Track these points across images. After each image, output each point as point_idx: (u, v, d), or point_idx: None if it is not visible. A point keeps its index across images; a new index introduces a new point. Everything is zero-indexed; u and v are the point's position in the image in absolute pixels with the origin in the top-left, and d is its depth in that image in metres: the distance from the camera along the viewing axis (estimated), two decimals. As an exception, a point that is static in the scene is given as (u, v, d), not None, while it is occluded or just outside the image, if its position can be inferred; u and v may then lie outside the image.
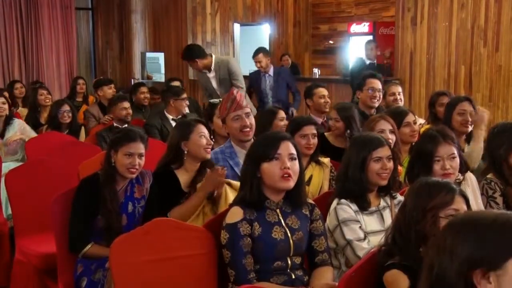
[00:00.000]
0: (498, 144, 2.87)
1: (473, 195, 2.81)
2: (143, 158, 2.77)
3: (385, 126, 3.25)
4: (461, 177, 2.83)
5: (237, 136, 3.14)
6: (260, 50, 6.44)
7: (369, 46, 7.27)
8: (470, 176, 2.91)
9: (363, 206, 2.47)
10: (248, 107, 3.20)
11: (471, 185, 2.87)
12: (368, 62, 7.00)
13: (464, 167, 2.84)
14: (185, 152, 2.93)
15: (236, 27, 10.62)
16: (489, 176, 2.87)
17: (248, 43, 10.92)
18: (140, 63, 11.40)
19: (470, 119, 3.57)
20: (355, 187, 2.47)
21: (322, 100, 4.66)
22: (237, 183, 2.70)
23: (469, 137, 3.62)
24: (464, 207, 1.85)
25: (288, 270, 2.32)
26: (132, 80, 10.54)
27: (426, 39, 6.99)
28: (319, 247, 2.39)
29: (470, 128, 3.61)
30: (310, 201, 2.48)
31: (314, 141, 3.31)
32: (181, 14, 10.11)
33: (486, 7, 6.39)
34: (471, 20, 6.51)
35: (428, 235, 1.81)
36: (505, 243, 1.17)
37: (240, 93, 3.23)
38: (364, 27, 10.36)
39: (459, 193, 1.88)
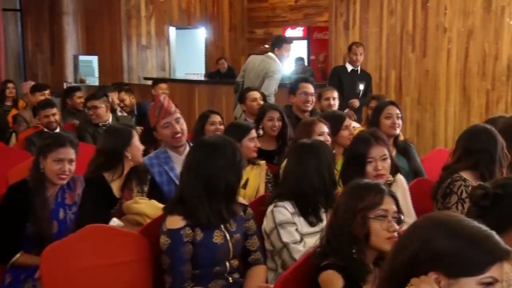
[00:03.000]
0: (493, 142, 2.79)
1: (403, 196, 2.87)
2: (74, 163, 2.69)
3: (324, 128, 3.31)
4: (392, 179, 2.89)
5: (169, 143, 3.10)
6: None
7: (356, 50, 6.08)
8: (400, 177, 2.97)
9: (312, 222, 2.50)
10: (178, 112, 3.16)
11: (401, 186, 2.94)
12: (350, 68, 6.03)
13: (394, 169, 2.91)
14: (129, 157, 2.88)
15: (172, 30, 10.53)
16: (466, 176, 2.77)
17: (184, 46, 10.86)
18: (72, 66, 11.09)
19: (396, 122, 3.67)
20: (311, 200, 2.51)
21: (255, 103, 4.67)
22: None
23: (396, 141, 3.71)
24: (393, 208, 1.90)
25: (226, 274, 2.32)
26: (65, 84, 10.24)
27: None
28: (252, 246, 2.41)
29: (397, 131, 3.71)
30: (243, 201, 2.49)
31: (258, 144, 3.37)
32: (115, 17, 9.92)
33: (414, 14, 6.63)
34: (400, 26, 6.75)
35: (359, 236, 1.85)
36: (474, 263, 1.18)
37: (168, 99, 3.19)
38: (299, 31, 10.53)
39: (388, 193, 1.92)
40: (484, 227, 1.23)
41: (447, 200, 2.74)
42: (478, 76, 6.23)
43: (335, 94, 4.81)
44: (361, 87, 5.86)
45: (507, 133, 2.97)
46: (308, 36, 10.40)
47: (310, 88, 4.45)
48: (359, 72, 6.04)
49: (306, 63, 10.14)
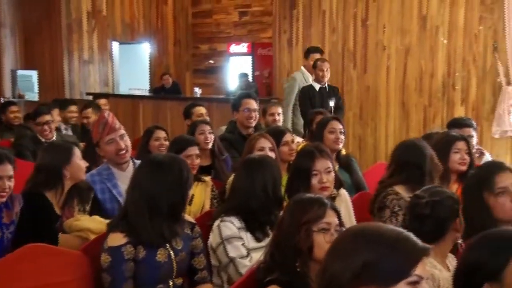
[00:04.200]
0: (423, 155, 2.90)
1: (346, 210, 2.93)
2: (12, 180, 2.60)
3: (265, 144, 3.33)
4: (336, 192, 2.94)
5: (113, 160, 3.05)
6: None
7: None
8: (343, 191, 3.03)
9: (258, 237, 2.51)
10: (122, 128, 3.11)
11: (344, 200, 3.00)
12: (318, 86, 5.78)
13: (338, 183, 2.97)
14: (67, 176, 2.79)
15: (115, 45, 10.40)
16: (399, 190, 2.84)
17: (128, 61, 10.74)
18: (10, 81, 10.73)
19: (340, 137, 3.75)
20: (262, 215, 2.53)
21: (201, 119, 4.66)
22: None
23: (338, 156, 3.79)
24: (336, 221, 1.93)
25: (169, 292, 2.29)
26: (2, 99, 9.89)
27: (301, 60, 7.30)
28: (199, 265, 2.40)
29: (341, 145, 3.79)
30: (191, 219, 2.47)
31: (198, 161, 3.34)
32: (56, 31, 9.71)
33: (354, 31, 6.83)
34: (341, 44, 6.93)
35: (302, 249, 1.87)
36: (399, 267, 1.19)
37: (112, 115, 3.13)
38: (243, 47, 10.62)
39: (331, 206, 1.94)
40: (400, 230, 1.26)
41: (381, 214, 2.82)
42: (415, 92, 6.46)
43: (280, 109, 4.87)
44: (331, 103, 5.67)
45: (438, 147, 3.11)
46: (252, 52, 10.51)
47: (253, 104, 4.45)
48: (327, 89, 5.82)
49: (250, 79, 10.22)
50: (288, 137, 3.66)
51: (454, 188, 3.18)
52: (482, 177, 2.33)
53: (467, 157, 3.23)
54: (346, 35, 6.89)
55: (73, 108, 6.05)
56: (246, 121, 4.41)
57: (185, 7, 11.28)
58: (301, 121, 5.75)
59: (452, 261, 2.24)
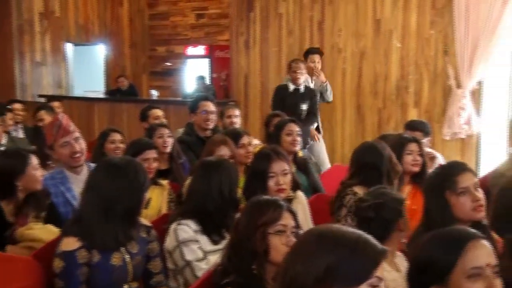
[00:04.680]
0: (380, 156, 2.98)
1: (303, 212, 2.96)
2: None
3: (225, 152, 3.31)
4: (293, 195, 2.96)
5: (67, 163, 2.99)
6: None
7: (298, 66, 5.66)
8: (300, 193, 3.06)
9: (215, 240, 2.50)
10: (77, 131, 3.06)
11: (301, 202, 3.03)
12: (292, 87, 5.62)
13: (295, 185, 3.00)
14: (21, 187, 2.68)
15: (69, 47, 10.20)
16: (358, 190, 2.90)
17: (82, 63, 10.54)
18: (-42, 82, 10.37)
19: (297, 139, 3.79)
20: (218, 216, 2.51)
21: (157, 121, 4.62)
22: None
23: (295, 158, 3.82)
24: (292, 223, 1.94)
25: (124, 297, 2.26)
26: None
27: (259, 63, 7.34)
28: (154, 268, 2.38)
29: (297, 148, 3.83)
30: (146, 223, 2.45)
31: (155, 165, 3.33)
32: (6, 31, 9.43)
33: (311, 34, 6.90)
34: (298, 46, 6.98)
35: (259, 251, 1.88)
36: (361, 270, 1.22)
37: (67, 118, 3.08)
38: (201, 49, 10.59)
39: (287, 209, 1.95)
40: (360, 233, 1.28)
41: (338, 213, 2.87)
42: (370, 95, 6.58)
43: (237, 112, 4.87)
44: (304, 107, 5.57)
45: (391, 149, 3.19)
46: (210, 54, 10.49)
47: (211, 106, 4.44)
48: (302, 91, 5.61)
49: (208, 81, 10.20)
50: (245, 139, 3.66)
51: (407, 189, 3.26)
52: (445, 176, 2.37)
53: (419, 158, 3.32)
54: (303, 38, 6.96)
55: (18, 106, 5.92)
56: (203, 124, 4.39)
57: (141, 9, 11.16)
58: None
59: (402, 261, 2.29)
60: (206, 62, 10.50)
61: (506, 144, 5.07)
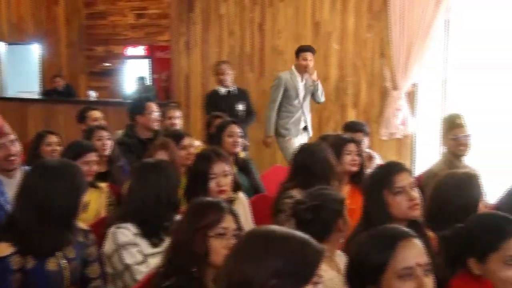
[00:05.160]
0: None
1: (244, 213, 2.97)
2: None
3: (162, 156, 3.24)
4: (234, 196, 2.97)
5: (1, 165, 2.92)
6: None
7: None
8: (241, 195, 3.08)
9: (155, 242, 2.46)
10: (13, 134, 2.97)
11: (242, 203, 3.05)
12: (224, 90, 5.65)
13: (236, 186, 3.00)
14: None
15: (1, 46, 9.84)
16: (295, 193, 2.90)
17: (16, 63, 10.18)
18: None
19: (238, 140, 3.82)
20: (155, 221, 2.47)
21: (96, 123, 4.52)
22: None
23: (236, 159, 3.84)
24: (233, 225, 1.94)
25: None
26: None
27: (200, 64, 7.31)
28: (92, 273, 2.33)
29: (238, 149, 3.85)
30: (84, 226, 2.39)
31: (96, 167, 3.29)
32: None
33: (251, 35, 6.93)
34: (239, 47, 7.01)
35: (199, 254, 1.87)
36: (306, 270, 1.26)
37: (1, 119, 2.98)
38: (140, 50, 10.44)
39: (228, 211, 1.96)
40: (301, 235, 1.32)
41: (277, 216, 2.90)
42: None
43: (178, 113, 4.83)
44: (240, 107, 5.57)
45: (333, 148, 3.25)
46: (150, 55, 10.36)
47: (156, 107, 4.44)
48: (234, 92, 5.64)
49: (148, 82, 10.07)
50: (186, 141, 3.65)
51: (346, 188, 3.33)
52: (383, 176, 2.42)
53: (357, 158, 3.40)
54: (244, 39, 6.98)
55: None
56: (152, 125, 4.36)
57: (78, 8, 10.87)
58: (283, 121, 5.66)
59: (342, 260, 2.34)
60: (146, 62, 10.36)
61: (439, 144, 5.26)
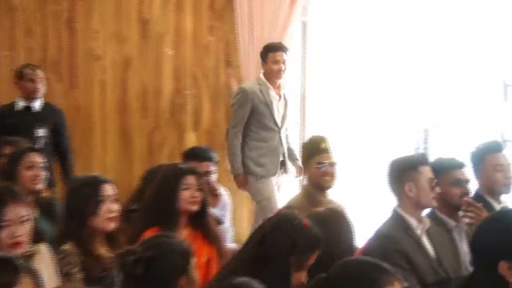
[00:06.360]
0: None
1: (47, 271, 2.86)
2: None
3: None
4: (33, 249, 2.86)
5: None
6: None
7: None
8: (43, 248, 2.98)
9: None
10: None
11: (44, 258, 2.94)
12: (21, 105, 5.49)
13: (37, 236, 2.90)
14: None
15: None
16: (66, 248, 3.02)
17: None
18: None
19: (40, 174, 3.72)
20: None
21: None
22: None
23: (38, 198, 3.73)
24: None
25: None
26: None
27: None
28: None
29: (40, 185, 3.75)
30: None
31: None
32: None
33: (58, 36, 6.70)
34: (40, 50, 6.73)
35: None
36: None
37: None
38: None
39: (26, 271, 1.90)
40: None
41: None
42: (138, 113, 6.61)
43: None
44: (40, 132, 5.29)
45: (164, 182, 3.29)
46: None
47: None
48: (37, 109, 5.44)
49: None
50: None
51: (185, 233, 3.34)
52: None
53: (198, 194, 3.42)
54: (46, 40, 6.74)
55: None
56: None
57: None
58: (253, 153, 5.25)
59: None
60: None
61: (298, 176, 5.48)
